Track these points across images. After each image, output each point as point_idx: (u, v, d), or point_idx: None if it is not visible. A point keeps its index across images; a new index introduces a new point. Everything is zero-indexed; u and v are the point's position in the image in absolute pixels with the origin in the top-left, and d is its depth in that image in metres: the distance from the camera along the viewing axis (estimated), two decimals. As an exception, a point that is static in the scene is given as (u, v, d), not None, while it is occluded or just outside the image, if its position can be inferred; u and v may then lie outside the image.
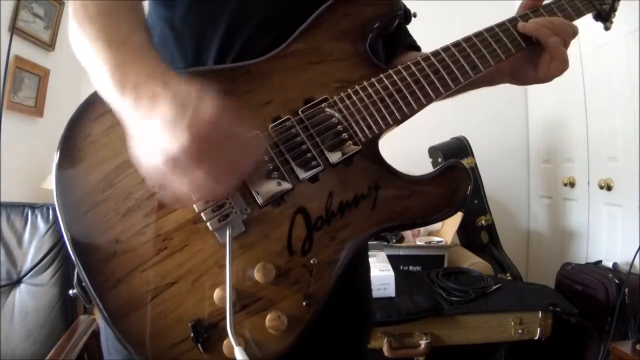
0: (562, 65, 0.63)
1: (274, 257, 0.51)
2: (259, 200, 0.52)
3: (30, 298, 1.49)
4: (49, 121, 2.19)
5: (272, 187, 0.52)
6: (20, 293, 1.50)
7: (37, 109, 2.15)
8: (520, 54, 0.64)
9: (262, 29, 0.61)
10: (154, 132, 0.40)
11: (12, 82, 1.96)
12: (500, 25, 0.64)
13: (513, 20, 0.65)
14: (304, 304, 0.50)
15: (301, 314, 0.50)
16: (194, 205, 0.50)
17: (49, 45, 2.18)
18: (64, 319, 1.49)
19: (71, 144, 0.53)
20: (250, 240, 0.51)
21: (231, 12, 0.61)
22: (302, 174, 0.53)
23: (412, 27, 0.81)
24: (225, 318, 0.46)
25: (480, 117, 2.54)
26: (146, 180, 0.45)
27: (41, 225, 1.56)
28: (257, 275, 0.50)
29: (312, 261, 0.52)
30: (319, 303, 0.51)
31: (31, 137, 2.11)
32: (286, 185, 0.52)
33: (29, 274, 1.51)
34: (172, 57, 0.62)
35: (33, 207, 1.59)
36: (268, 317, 0.49)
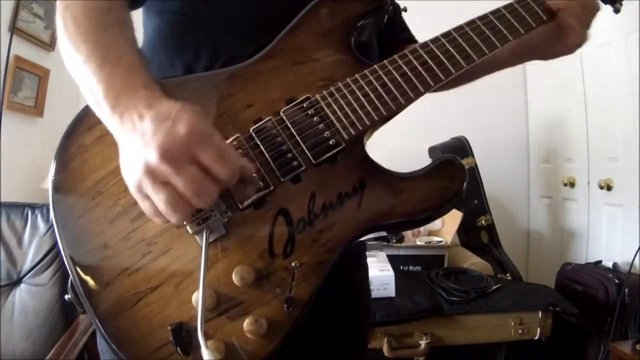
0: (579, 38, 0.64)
1: (255, 260, 0.50)
2: (239, 203, 0.51)
3: (30, 298, 1.48)
4: (49, 121, 2.19)
5: (252, 189, 0.51)
6: (20, 293, 1.49)
7: (37, 109, 2.15)
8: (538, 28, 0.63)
9: (249, 34, 0.60)
10: (134, 146, 0.42)
11: (12, 82, 1.96)
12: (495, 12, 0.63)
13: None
14: (284, 308, 0.49)
15: (282, 318, 0.49)
16: None
17: (49, 45, 2.18)
18: (64, 319, 1.48)
19: (65, 156, 0.55)
20: (231, 243, 0.51)
21: (219, 18, 0.61)
22: (283, 175, 0.52)
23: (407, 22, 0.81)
24: (205, 322, 0.46)
25: (480, 117, 2.55)
26: (132, 193, 0.45)
27: (41, 225, 1.56)
28: (234, 278, 0.49)
29: (294, 264, 0.50)
30: (301, 308, 0.50)
31: (31, 137, 2.11)
32: (267, 187, 0.51)
33: (29, 274, 1.50)
34: (160, 65, 0.62)
35: (33, 207, 1.59)
36: (246, 321, 0.48)
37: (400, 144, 1.74)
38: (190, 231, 0.50)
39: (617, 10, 0.72)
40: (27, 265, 1.51)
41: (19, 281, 1.51)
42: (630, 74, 1.80)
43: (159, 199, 0.41)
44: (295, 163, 0.53)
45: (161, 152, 0.39)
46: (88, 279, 0.50)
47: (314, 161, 0.53)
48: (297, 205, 0.52)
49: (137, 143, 0.41)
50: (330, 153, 0.54)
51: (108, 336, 0.49)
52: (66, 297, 0.54)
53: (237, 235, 0.51)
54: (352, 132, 0.55)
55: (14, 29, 1.93)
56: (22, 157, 2.01)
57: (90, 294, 0.50)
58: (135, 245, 0.51)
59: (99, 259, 0.51)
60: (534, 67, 2.56)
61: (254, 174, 0.50)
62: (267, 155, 0.52)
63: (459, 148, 2.28)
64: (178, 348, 0.47)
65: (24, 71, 2.04)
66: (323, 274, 0.51)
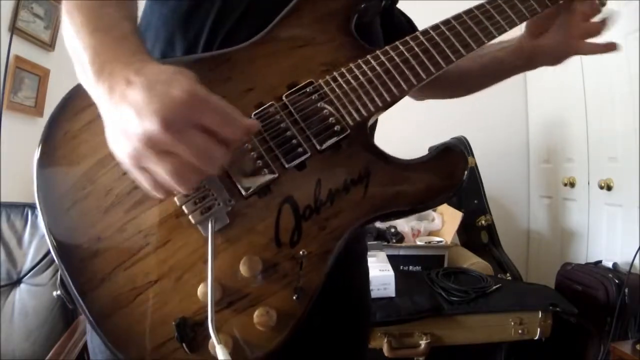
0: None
1: (261, 249, 0.49)
2: (243, 191, 0.49)
3: (30, 298, 1.48)
4: (49, 121, 2.19)
5: (256, 176, 0.49)
6: (20, 293, 1.49)
7: (37, 109, 2.15)
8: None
9: (246, 18, 0.59)
10: (127, 116, 0.39)
11: (12, 82, 1.96)
12: None
13: None
14: (294, 298, 0.48)
15: (292, 309, 0.48)
16: (175, 199, 0.48)
17: (49, 45, 2.18)
18: (64, 319, 1.48)
19: (51, 142, 0.51)
20: (236, 233, 0.49)
21: (217, 2, 0.59)
22: (288, 162, 0.50)
23: (408, 9, 0.81)
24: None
25: (480, 117, 2.55)
26: (125, 169, 0.42)
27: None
28: (242, 269, 0.47)
29: (301, 253, 0.49)
30: (310, 297, 0.48)
31: (31, 137, 2.10)
32: (271, 174, 0.50)
33: (29, 274, 1.50)
34: (162, 50, 0.61)
35: (33, 207, 1.59)
36: (256, 313, 0.46)
37: (400, 143, 1.74)
38: (193, 221, 0.48)
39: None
40: (27, 265, 1.51)
41: (19, 281, 1.51)
42: (630, 74, 1.80)
43: (163, 171, 0.39)
44: (300, 149, 0.51)
45: (161, 120, 0.37)
46: (81, 275, 0.48)
47: (319, 147, 0.52)
48: (302, 193, 0.51)
49: (129, 113, 0.39)
50: (336, 139, 0.52)
51: (104, 334, 0.47)
52: (55, 293, 0.52)
53: (241, 225, 0.49)
54: (357, 118, 0.54)
55: (14, 29, 1.93)
56: (22, 157, 1.99)
57: (83, 291, 0.47)
58: (131, 237, 0.48)
59: (92, 253, 0.48)
60: (534, 67, 2.56)
61: (255, 155, 0.49)
62: (270, 142, 0.51)
63: (459, 148, 2.29)
64: (184, 344, 0.46)
65: (24, 71, 2.04)
66: (330, 262, 0.50)
